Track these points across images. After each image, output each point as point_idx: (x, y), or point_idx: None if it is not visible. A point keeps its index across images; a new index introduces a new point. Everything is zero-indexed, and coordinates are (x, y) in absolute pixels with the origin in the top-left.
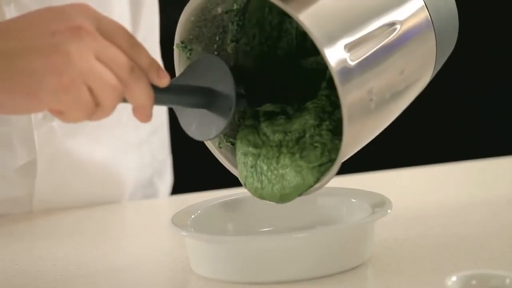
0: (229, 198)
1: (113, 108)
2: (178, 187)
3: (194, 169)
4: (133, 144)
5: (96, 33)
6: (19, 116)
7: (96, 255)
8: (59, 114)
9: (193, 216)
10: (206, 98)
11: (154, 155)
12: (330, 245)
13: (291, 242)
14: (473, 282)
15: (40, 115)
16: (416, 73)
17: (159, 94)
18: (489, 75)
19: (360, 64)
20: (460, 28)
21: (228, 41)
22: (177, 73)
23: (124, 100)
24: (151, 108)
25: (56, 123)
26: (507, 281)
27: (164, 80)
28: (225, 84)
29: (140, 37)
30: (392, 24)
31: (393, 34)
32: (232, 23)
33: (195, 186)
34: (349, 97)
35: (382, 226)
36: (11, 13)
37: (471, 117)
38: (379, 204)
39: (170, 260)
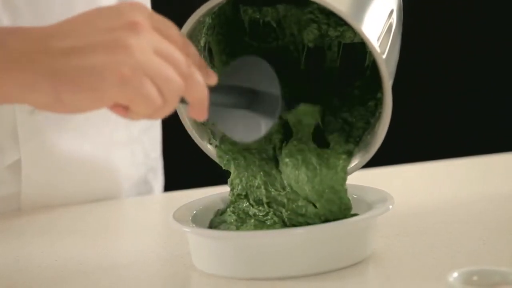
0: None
1: (175, 104)
2: (169, 186)
3: (184, 167)
4: (123, 141)
5: (152, 28)
6: (4, 116)
7: (97, 252)
8: (125, 111)
9: (194, 212)
10: (250, 99)
11: (147, 153)
12: (332, 241)
13: (292, 238)
14: (475, 278)
15: (26, 112)
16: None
17: (210, 93)
18: (489, 72)
19: (387, 56)
20: (461, 26)
21: (202, 35)
22: None
23: (181, 100)
24: (207, 104)
25: (42, 119)
26: (509, 277)
27: (213, 79)
28: (269, 84)
29: None
30: (392, 12)
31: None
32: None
33: (185, 185)
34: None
35: (384, 222)
36: None
37: (471, 113)
38: (381, 200)
39: (172, 256)
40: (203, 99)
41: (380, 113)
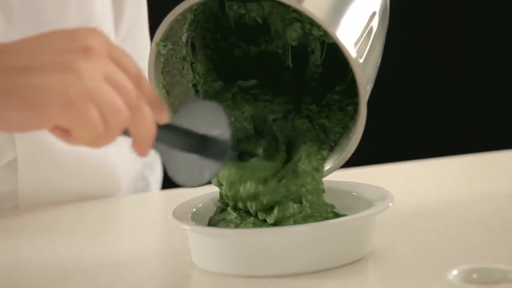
0: None
1: (117, 134)
2: (168, 181)
3: None
4: (120, 138)
5: (106, 56)
6: None
7: (97, 249)
8: (66, 134)
9: (194, 210)
10: (201, 142)
11: None
12: (331, 239)
13: (292, 235)
14: (474, 276)
15: None
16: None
17: (158, 131)
18: (489, 69)
19: (365, 60)
20: (461, 22)
21: (184, 31)
22: (149, 78)
23: (125, 132)
24: (152, 142)
25: None
26: (509, 274)
27: (164, 117)
28: (220, 129)
29: (124, 30)
30: (374, 14)
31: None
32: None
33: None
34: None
35: (383, 220)
36: None
37: (471, 110)
38: (380, 198)
39: (171, 254)
40: (148, 136)
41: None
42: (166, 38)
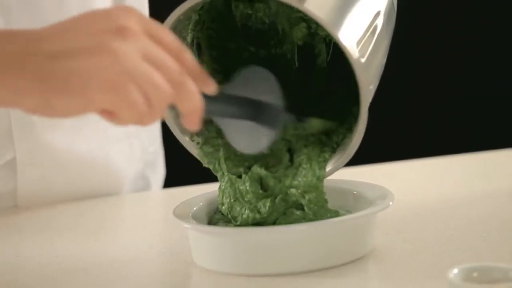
0: None
1: (162, 111)
2: (170, 180)
3: (186, 162)
4: (120, 137)
5: (142, 34)
6: None
7: (98, 248)
8: (111, 116)
9: (194, 208)
10: (254, 110)
11: (144, 148)
12: (331, 237)
13: (292, 234)
14: (475, 274)
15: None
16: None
17: (207, 103)
18: (489, 69)
19: (368, 60)
20: (462, 22)
21: (189, 31)
22: None
23: (171, 107)
24: (200, 115)
25: (36, 116)
26: (509, 273)
27: (211, 87)
28: (272, 95)
29: None
30: (378, 14)
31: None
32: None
33: (187, 179)
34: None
35: (384, 218)
36: None
37: (472, 109)
38: (381, 196)
39: (172, 253)
40: (195, 109)
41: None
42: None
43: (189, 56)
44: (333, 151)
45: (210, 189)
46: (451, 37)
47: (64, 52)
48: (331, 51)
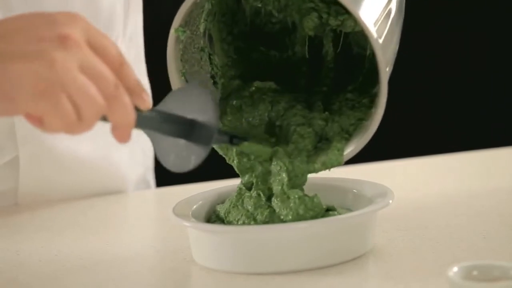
0: (233, 188)
1: (93, 122)
2: (169, 180)
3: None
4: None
5: (84, 44)
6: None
7: (98, 246)
8: (39, 122)
9: (194, 207)
10: (187, 128)
11: (145, 152)
12: (332, 235)
13: (292, 232)
14: (475, 272)
15: None
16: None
17: (140, 118)
18: (491, 66)
19: (384, 41)
20: (463, 20)
21: (202, 20)
22: (169, 64)
23: (104, 118)
24: (131, 129)
25: None
26: (509, 271)
27: (147, 103)
28: (207, 115)
29: (128, 35)
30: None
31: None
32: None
33: (177, 179)
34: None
35: (384, 216)
36: None
37: (473, 107)
38: (381, 194)
39: (172, 251)
40: (126, 123)
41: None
42: (185, 24)
43: (129, 69)
44: (348, 139)
45: (209, 187)
46: (451, 35)
47: (1, 54)
48: (341, 42)
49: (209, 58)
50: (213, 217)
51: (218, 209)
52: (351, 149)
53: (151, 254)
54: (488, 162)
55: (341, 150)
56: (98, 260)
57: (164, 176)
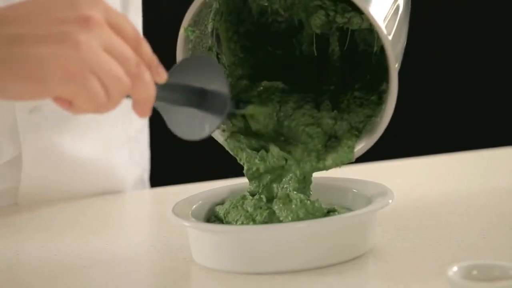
0: (232, 187)
1: (120, 100)
2: (170, 179)
3: (170, 162)
4: (122, 141)
5: (105, 25)
6: (3, 113)
7: (97, 246)
8: (68, 105)
9: (194, 206)
10: (200, 97)
11: (142, 153)
12: (331, 235)
13: (292, 232)
14: (474, 272)
15: (25, 111)
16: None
17: (157, 90)
18: (490, 67)
19: (393, 38)
20: (462, 21)
21: (209, 20)
22: (177, 59)
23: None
24: (152, 104)
25: (41, 119)
26: (508, 271)
27: (162, 77)
28: (218, 84)
29: None
30: None
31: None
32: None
33: (172, 180)
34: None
35: (384, 216)
36: None
37: (472, 107)
38: (381, 194)
39: (171, 250)
40: (148, 99)
41: (386, 97)
42: (194, 23)
43: (146, 46)
44: (358, 136)
45: (208, 187)
46: (451, 35)
47: (24, 37)
48: (348, 40)
49: (217, 58)
50: (212, 217)
51: (218, 210)
52: (361, 146)
53: (151, 254)
54: (488, 162)
55: (351, 147)
56: (97, 260)
57: (159, 177)
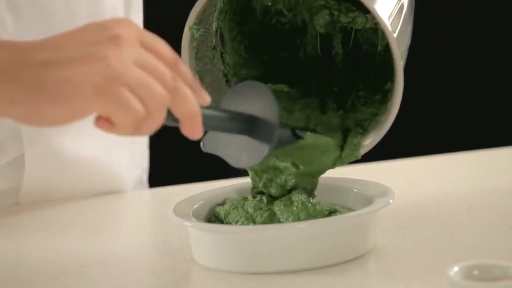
0: (233, 188)
1: (161, 116)
2: (170, 179)
3: (187, 161)
4: (123, 142)
5: (137, 43)
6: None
7: (98, 245)
8: (109, 125)
9: (195, 206)
10: (248, 125)
11: (142, 154)
12: (332, 235)
13: (293, 232)
14: (475, 272)
15: None
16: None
17: (203, 117)
18: (491, 67)
19: (398, 35)
20: (464, 20)
21: (214, 19)
22: (183, 58)
23: (171, 118)
24: (199, 121)
25: None
26: (509, 271)
27: (206, 99)
28: (268, 111)
29: None
30: None
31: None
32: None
33: (170, 181)
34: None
35: (385, 216)
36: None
37: (473, 107)
38: (381, 194)
39: (172, 251)
40: (193, 115)
41: (391, 95)
42: (199, 22)
43: (184, 68)
44: (363, 133)
45: (209, 187)
46: (451, 35)
47: (56, 62)
48: (352, 39)
49: (221, 57)
50: (213, 218)
51: (218, 210)
52: (368, 142)
53: (151, 254)
54: (488, 162)
55: (357, 145)
56: (98, 260)
57: (159, 177)
